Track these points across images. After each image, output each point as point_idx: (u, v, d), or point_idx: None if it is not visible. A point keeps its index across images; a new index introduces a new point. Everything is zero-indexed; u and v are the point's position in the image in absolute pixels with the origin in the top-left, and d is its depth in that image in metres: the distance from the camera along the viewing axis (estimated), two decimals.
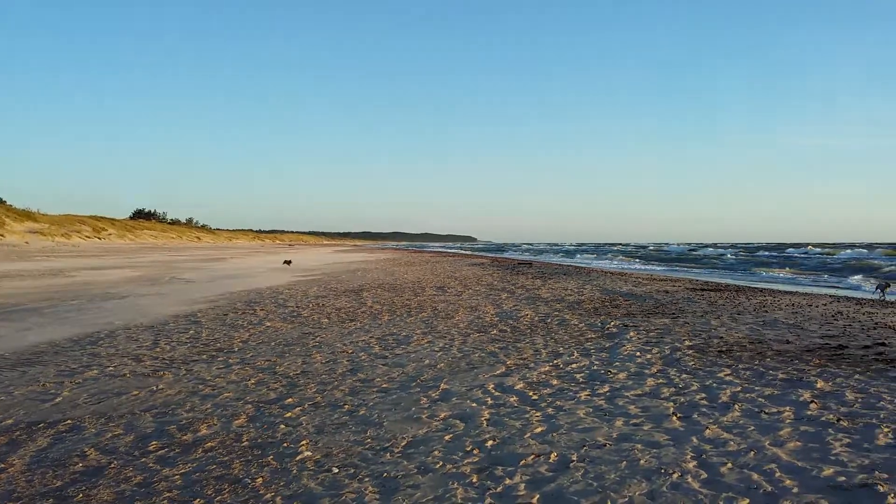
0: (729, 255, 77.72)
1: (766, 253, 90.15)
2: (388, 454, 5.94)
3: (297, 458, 5.86)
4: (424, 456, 5.87)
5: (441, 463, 5.68)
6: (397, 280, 29.40)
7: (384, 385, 8.65)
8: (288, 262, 45.18)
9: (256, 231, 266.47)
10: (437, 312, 16.63)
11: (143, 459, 5.87)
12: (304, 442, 6.30)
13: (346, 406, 7.60)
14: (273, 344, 11.94)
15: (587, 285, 26.60)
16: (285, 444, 6.25)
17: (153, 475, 5.48)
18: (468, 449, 6.04)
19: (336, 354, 10.83)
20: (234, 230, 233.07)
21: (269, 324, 14.62)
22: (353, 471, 5.53)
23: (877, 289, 23.68)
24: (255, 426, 6.87)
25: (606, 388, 8.37)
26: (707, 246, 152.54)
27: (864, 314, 16.66)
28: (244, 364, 10.12)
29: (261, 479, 5.38)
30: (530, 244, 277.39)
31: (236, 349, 11.42)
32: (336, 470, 5.55)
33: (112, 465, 5.71)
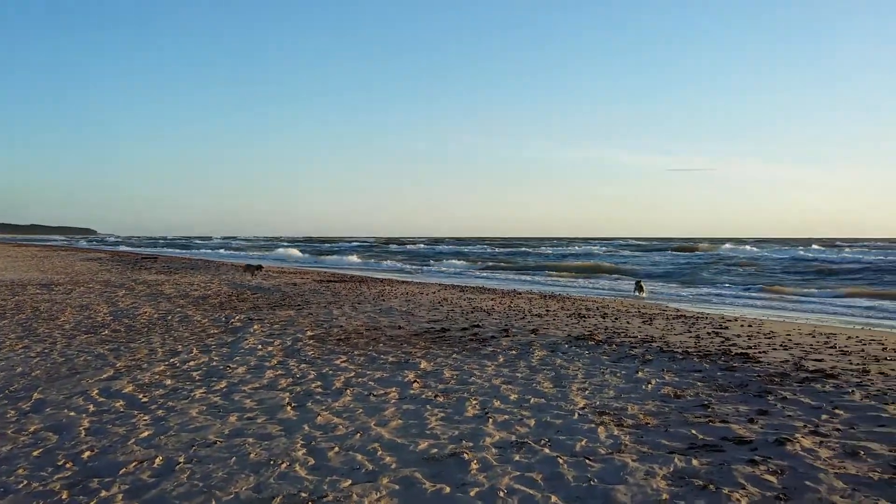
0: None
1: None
2: None
3: None
4: (6, 476, 5.14)
5: (26, 482, 5.02)
6: None
7: None
8: (257, 270, 29.39)
9: None
10: (39, 313, 14.80)
11: None
12: None
13: None
14: None
15: (215, 279, 25.89)
16: None
17: None
18: (60, 463, 5.43)
19: None
20: None
21: None
22: None
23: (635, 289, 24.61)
24: None
25: (224, 383, 8.19)
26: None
27: (464, 300, 18.69)
28: None
29: None
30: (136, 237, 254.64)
31: None
32: None
33: None
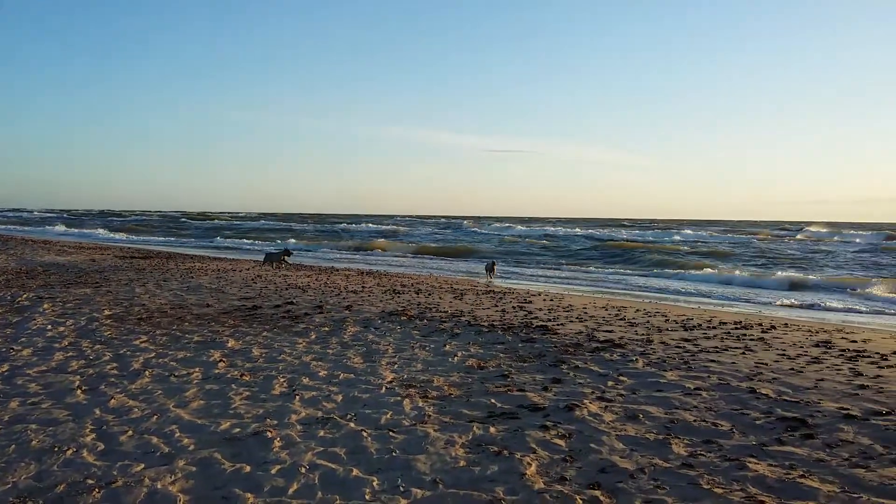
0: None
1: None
2: None
3: None
4: None
5: None
6: None
7: None
8: (285, 256, 22.37)
9: None
10: None
11: None
12: None
13: None
14: None
15: (2, 255, 23.63)
16: None
17: None
18: None
19: None
20: None
21: None
22: None
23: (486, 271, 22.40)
24: None
25: (5, 367, 7.52)
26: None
27: (279, 277, 18.34)
28: None
29: None
30: None
31: None
32: None
33: None
